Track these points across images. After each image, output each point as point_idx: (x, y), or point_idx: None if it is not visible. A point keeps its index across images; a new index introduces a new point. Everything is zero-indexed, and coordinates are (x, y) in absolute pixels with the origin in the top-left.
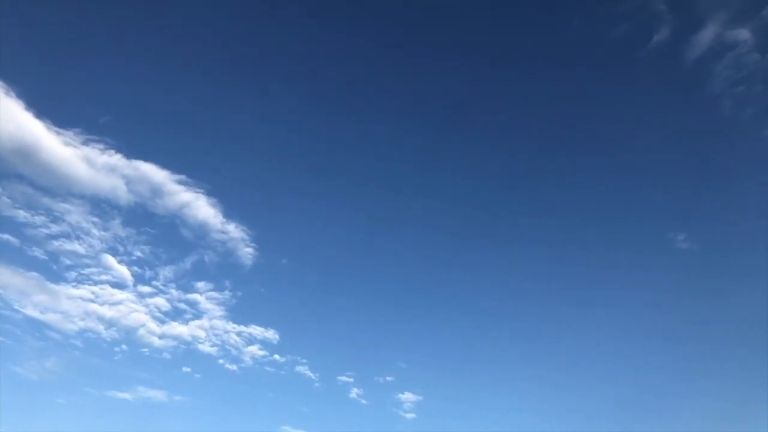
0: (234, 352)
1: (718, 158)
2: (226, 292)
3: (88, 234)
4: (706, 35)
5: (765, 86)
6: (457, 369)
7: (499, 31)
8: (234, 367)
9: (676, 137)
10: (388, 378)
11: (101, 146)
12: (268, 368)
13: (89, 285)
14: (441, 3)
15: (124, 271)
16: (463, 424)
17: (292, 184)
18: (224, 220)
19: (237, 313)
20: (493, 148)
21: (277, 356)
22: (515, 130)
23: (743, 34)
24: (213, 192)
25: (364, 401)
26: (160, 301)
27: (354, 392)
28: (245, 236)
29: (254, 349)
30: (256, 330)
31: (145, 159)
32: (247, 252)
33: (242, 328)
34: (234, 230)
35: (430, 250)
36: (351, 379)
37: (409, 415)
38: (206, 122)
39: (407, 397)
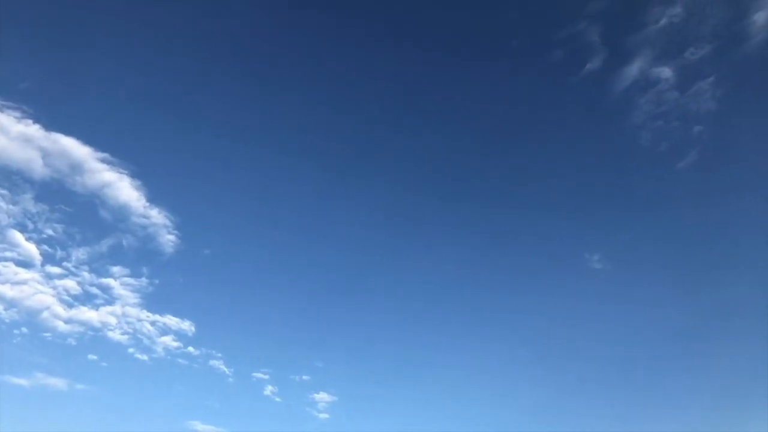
0: (146, 341)
1: (634, 186)
2: (143, 279)
3: None
4: (633, 69)
5: (681, 123)
6: (375, 370)
7: (442, 38)
8: (144, 357)
9: (599, 163)
10: (305, 377)
11: (18, 114)
12: (180, 360)
13: None
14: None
15: (31, 249)
16: (376, 425)
17: (222, 175)
18: (147, 204)
19: (152, 302)
20: (422, 162)
21: (191, 348)
22: (442, 148)
23: (666, 72)
24: (138, 174)
25: (278, 399)
26: (70, 283)
27: (268, 389)
28: (168, 223)
29: (168, 340)
30: (171, 320)
31: (67, 133)
32: (169, 239)
33: (157, 317)
34: (157, 216)
35: (351, 250)
36: (266, 376)
37: (323, 415)
38: (138, 100)
39: (322, 396)
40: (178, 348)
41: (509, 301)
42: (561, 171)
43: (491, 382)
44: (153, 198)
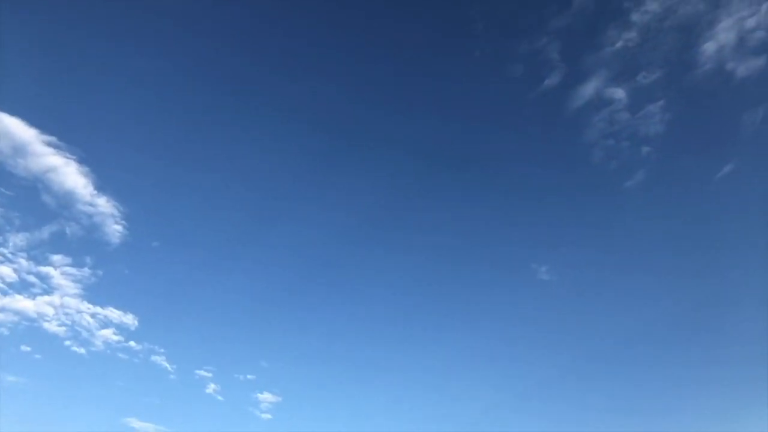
0: (84, 334)
1: (583, 201)
2: (86, 269)
3: None
4: (589, 88)
5: (630, 143)
6: (320, 372)
7: (400, 46)
8: (82, 351)
9: (551, 177)
10: (249, 376)
11: None
12: (121, 355)
13: None
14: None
15: None
16: (320, 427)
17: (174, 168)
18: (95, 192)
19: (94, 293)
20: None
21: (132, 343)
22: (396, 153)
23: (619, 93)
24: (86, 160)
25: (220, 398)
26: (6, 270)
27: (211, 387)
28: (116, 212)
29: (108, 333)
30: (113, 313)
31: (11, 113)
32: (115, 229)
33: (98, 309)
34: (104, 204)
35: (300, 248)
36: (209, 374)
37: (266, 416)
38: (91, 84)
39: (266, 397)
40: (118, 342)
41: (459, 308)
42: (514, 183)
43: (438, 385)
44: (101, 186)
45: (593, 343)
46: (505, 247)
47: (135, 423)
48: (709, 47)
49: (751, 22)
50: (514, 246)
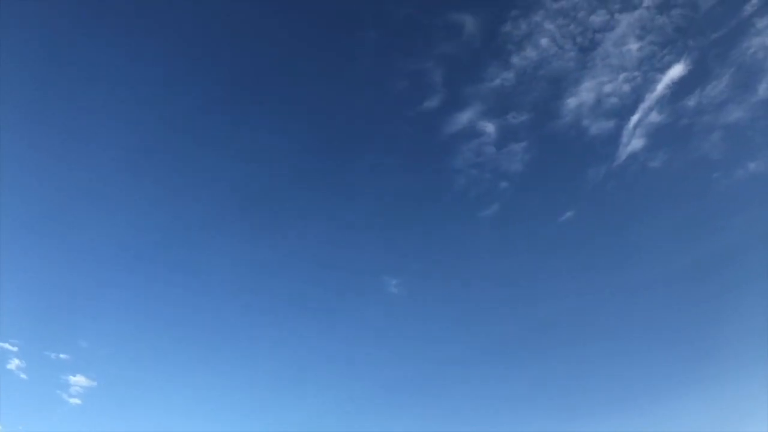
0: None
1: (440, 224)
2: None
3: None
4: (464, 117)
5: (491, 176)
6: (147, 361)
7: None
8: None
9: (413, 195)
10: (62, 355)
11: None
12: None
13: None
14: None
15: None
16: (138, 418)
17: None
18: None
19: None
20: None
21: None
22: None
23: (489, 127)
24: None
25: (23, 375)
26: None
27: (14, 363)
28: None
29: None
30: None
31: None
32: None
33: None
34: None
35: (133, 226)
36: (15, 348)
37: (74, 401)
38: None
39: (78, 380)
40: None
41: (310, 310)
42: (378, 195)
43: (282, 385)
44: None
45: (434, 352)
46: (360, 255)
47: None
48: (571, 102)
49: (608, 88)
50: (369, 256)
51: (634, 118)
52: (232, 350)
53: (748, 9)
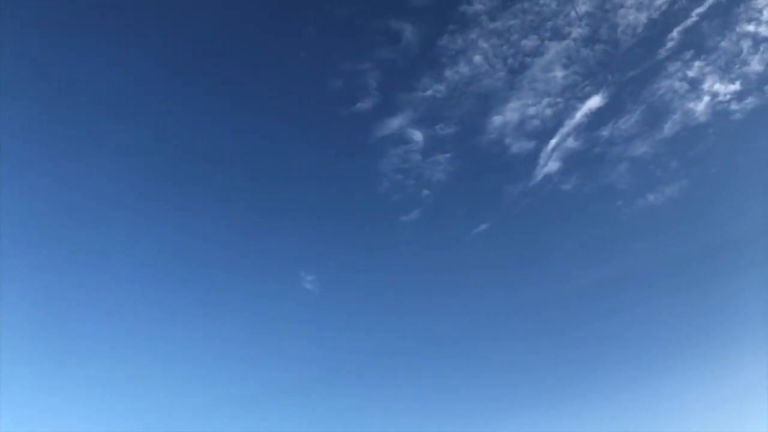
0: None
1: (361, 224)
2: None
3: None
4: (394, 123)
5: (415, 182)
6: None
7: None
8: None
9: (336, 193)
10: None
11: None
12: None
13: None
14: None
15: None
16: None
17: None
18: None
19: None
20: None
21: None
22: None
23: (417, 135)
24: None
25: None
26: None
27: None
28: None
29: None
30: None
31: None
32: None
33: None
34: None
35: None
36: None
37: None
38: None
39: None
40: None
41: (221, 302)
42: (300, 189)
43: (174, 384)
44: None
45: (346, 349)
46: (277, 247)
47: None
48: (497, 120)
49: (532, 110)
50: (287, 249)
51: (553, 142)
52: (126, 347)
53: (663, 53)
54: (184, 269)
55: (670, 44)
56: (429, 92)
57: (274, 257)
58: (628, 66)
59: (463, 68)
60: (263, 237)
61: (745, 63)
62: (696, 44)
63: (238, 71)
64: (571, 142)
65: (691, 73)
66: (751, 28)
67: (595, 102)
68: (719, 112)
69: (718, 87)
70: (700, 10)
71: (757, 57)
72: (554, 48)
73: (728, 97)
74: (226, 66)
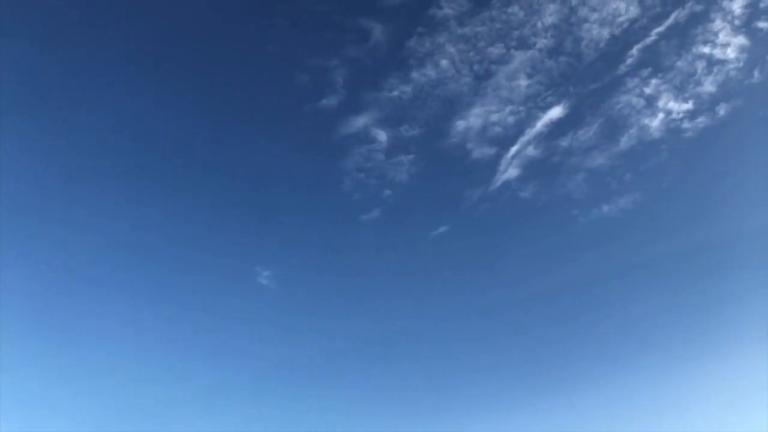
0: None
1: (321, 221)
2: None
3: None
4: (359, 122)
5: (377, 182)
6: None
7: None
8: None
9: (297, 188)
10: None
11: None
12: None
13: None
14: None
15: None
16: None
17: None
18: None
19: None
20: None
21: None
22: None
23: (382, 135)
24: None
25: None
26: None
27: None
28: None
29: None
30: None
31: None
32: None
33: None
34: None
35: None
36: None
37: None
38: None
39: None
40: None
41: (164, 293)
42: (259, 181)
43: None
44: None
45: (302, 345)
46: (233, 240)
47: None
48: (460, 124)
49: (495, 117)
50: (243, 243)
51: (513, 149)
52: (79, 344)
53: (623, 69)
54: (136, 263)
55: (629, 60)
56: (395, 93)
57: (229, 251)
58: (590, 79)
59: (430, 71)
60: (219, 231)
61: (699, 83)
62: (654, 62)
63: (201, 62)
64: (531, 151)
65: (648, 90)
66: (706, 49)
67: (556, 112)
68: (672, 129)
69: (673, 105)
70: (659, 29)
71: (710, 78)
72: (519, 57)
73: (681, 115)
74: (187, 55)
